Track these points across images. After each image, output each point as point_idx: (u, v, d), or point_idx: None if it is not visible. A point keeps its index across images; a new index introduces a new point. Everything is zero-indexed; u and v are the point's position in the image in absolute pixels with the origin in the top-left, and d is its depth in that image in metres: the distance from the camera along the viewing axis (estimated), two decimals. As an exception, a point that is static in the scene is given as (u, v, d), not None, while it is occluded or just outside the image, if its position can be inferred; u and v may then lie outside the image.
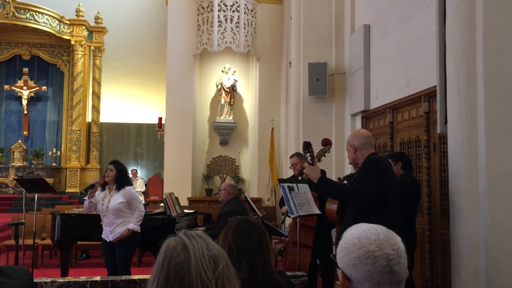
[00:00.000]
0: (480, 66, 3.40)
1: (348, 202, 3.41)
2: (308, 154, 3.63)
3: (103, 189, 5.19)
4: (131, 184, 5.27)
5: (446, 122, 3.84)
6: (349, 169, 6.17)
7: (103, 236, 5.12)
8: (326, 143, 4.58)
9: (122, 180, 5.11)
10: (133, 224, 5.01)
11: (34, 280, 2.84)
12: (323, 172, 5.70)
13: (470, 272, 3.40)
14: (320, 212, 4.57)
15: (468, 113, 3.48)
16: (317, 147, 3.82)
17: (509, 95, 3.32)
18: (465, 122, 3.50)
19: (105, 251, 5.18)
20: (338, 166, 7.19)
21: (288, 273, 2.81)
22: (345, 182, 4.58)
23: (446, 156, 4.06)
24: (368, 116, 6.77)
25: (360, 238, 1.27)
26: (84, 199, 5.27)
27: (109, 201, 5.04)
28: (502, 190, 3.26)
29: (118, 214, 5.00)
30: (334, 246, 5.01)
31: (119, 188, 5.06)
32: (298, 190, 4.45)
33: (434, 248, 4.88)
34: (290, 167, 5.86)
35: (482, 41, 3.38)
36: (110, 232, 5.01)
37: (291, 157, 5.73)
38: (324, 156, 4.86)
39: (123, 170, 5.20)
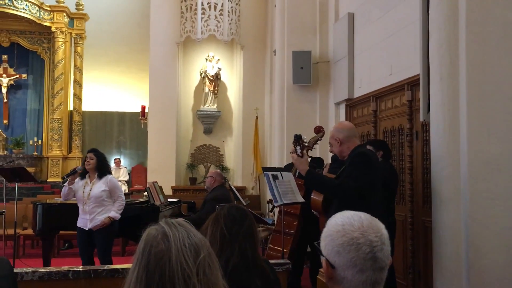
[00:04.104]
0: (463, 55, 3.41)
1: (335, 197, 3.43)
2: (298, 147, 3.62)
3: (82, 177, 5.14)
4: (111, 173, 5.25)
5: (428, 110, 3.87)
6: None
7: (79, 224, 5.07)
8: (319, 130, 4.54)
9: (103, 168, 5.09)
10: (114, 212, 5.00)
11: (15, 270, 2.80)
12: (321, 160, 5.73)
13: (451, 258, 3.45)
14: (304, 200, 4.58)
15: (450, 102, 3.50)
16: (307, 139, 3.81)
17: (491, 83, 3.34)
18: (447, 110, 3.52)
19: (80, 239, 5.14)
20: (322, 155, 7.21)
21: (272, 261, 2.81)
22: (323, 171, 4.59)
23: (429, 144, 4.09)
24: (352, 105, 6.79)
25: (344, 225, 1.27)
26: (64, 185, 5.20)
27: (90, 188, 5.00)
28: (483, 178, 3.30)
29: (99, 202, 4.97)
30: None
31: (100, 176, 5.03)
32: (282, 178, 4.45)
33: (416, 235, 4.94)
34: (290, 152, 5.99)
35: (465, 29, 3.39)
36: (90, 220, 4.97)
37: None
38: (316, 144, 4.86)
39: (103, 158, 5.17)
